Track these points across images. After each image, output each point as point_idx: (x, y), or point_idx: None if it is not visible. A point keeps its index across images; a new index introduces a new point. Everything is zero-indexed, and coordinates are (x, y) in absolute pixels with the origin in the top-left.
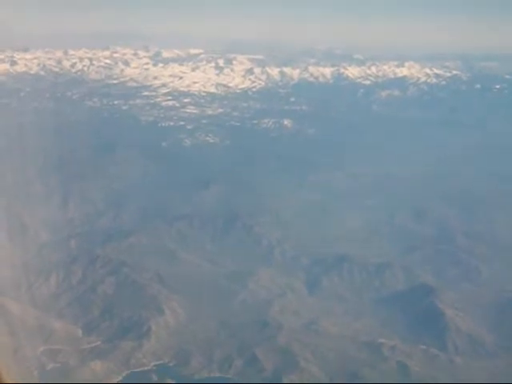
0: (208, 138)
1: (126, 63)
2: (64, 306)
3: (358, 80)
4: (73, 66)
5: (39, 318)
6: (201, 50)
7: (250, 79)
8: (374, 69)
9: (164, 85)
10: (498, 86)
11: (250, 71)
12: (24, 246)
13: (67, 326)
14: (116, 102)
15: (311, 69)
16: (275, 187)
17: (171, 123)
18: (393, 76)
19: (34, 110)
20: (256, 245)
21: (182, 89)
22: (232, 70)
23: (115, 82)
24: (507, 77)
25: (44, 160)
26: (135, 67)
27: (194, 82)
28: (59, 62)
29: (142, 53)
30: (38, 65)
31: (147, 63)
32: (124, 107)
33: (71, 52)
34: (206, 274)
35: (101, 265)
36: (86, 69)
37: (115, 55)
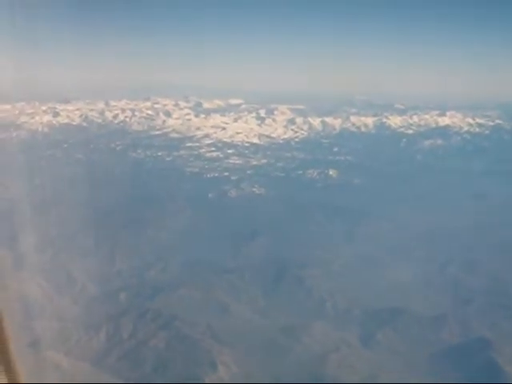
0: (254, 189)
1: (168, 114)
2: (115, 360)
3: (401, 129)
4: (115, 117)
5: (90, 372)
6: (241, 101)
7: (292, 129)
8: (415, 118)
9: (207, 136)
10: None
11: (291, 121)
12: (72, 299)
13: (118, 382)
14: (160, 154)
15: (353, 118)
16: (323, 238)
17: (216, 174)
18: (435, 125)
19: (78, 161)
20: (307, 297)
21: (225, 139)
22: (274, 120)
23: (158, 132)
24: None
25: (89, 212)
26: (177, 118)
27: (237, 133)
28: (101, 113)
29: (182, 103)
30: (80, 116)
31: (189, 114)
32: (168, 158)
33: (113, 103)
34: (258, 328)
35: (151, 318)
36: (128, 120)
37: (156, 106)
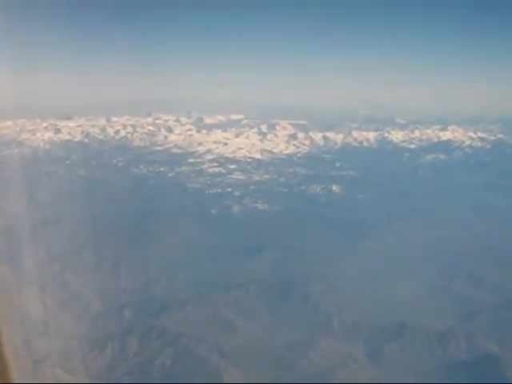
0: (257, 205)
1: (169, 130)
2: (120, 378)
3: (403, 144)
4: (116, 133)
5: None
6: (242, 116)
7: (294, 144)
8: (417, 133)
9: (209, 151)
10: None
11: (293, 136)
12: (77, 316)
13: None
14: (162, 169)
15: (354, 133)
16: (328, 254)
17: (219, 190)
18: (437, 140)
19: (80, 177)
20: (313, 313)
21: (227, 155)
22: (275, 135)
23: (160, 148)
24: None
25: (93, 228)
26: (179, 134)
27: (239, 148)
28: (103, 129)
29: (184, 119)
30: (82, 132)
31: (190, 129)
32: (170, 174)
33: (114, 119)
34: (265, 344)
35: (157, 335)
36: (129, 136)
37: (158, 122)
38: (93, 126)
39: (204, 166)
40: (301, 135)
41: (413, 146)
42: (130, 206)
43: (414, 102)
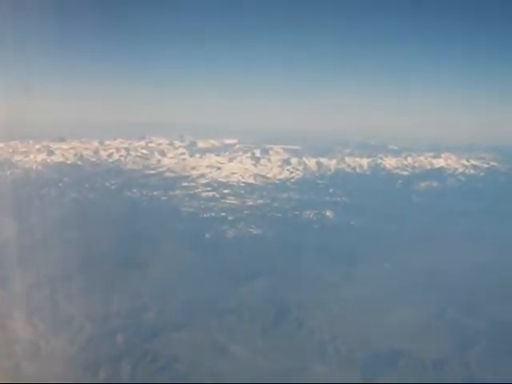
0: (251, 230)
1: (163, 153)
2: None
3: (396, 170)
4: (110, 156)
5: None
6: (235, 140)
7: (287, 170)
8: (410, 159)
9: (202, 175)
10: None
11: (286, 161)
12: (69, 339)
13: None
14: (155, 193)
15: (348, 159)
16: (322, 279)
17: (212, 214)
18: (430, 167)
19: (73, 200)
20: (308, 339)
21: (220, 179)
22: (269, 160)
23: (153, 172)
24: None
25: (85, 251)
26: (172, 157)
27: (233, 173)
28: (96, 151)
29: (177, 143)
30: (75, 155)
31: (183, 153)
32: (163, 198)
33: (107, 142)
34: (260, 370)
35: (151, 360)
36: (122, 159)
37: (151, 145)
38: (86, 148)
39: (198, 190)
40: (294, 160)
41: (406, 173)
42: (122, 229)
43: (405, 129)
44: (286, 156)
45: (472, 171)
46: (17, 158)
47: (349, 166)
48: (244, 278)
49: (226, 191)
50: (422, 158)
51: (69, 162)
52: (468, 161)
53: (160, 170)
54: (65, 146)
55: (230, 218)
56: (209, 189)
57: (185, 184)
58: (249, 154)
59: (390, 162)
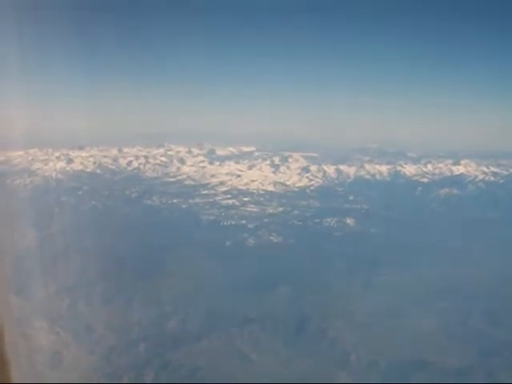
0: (272, 238)
1: (182, 161)
2: None
3: (415, 178)
4: (129, 163)
5: None
6: (253, 148)
7: (307, 177)
8: (430, 167)
9: (222, 183)
10: None
11: (306, 169)
12: (90, 349)
13: None
14: (175, 201)
15: (367, 166)
16: (344, 288)
17: (233, 222)
18: (449, 174)
19: (92, 208)
20: (330, 348)
21: (240, 187)
22: (288, 167)
23: (172, 179)
24: None
25: (106, 260)
26: (191, 165)
27: (252, 181)
28: (115, 159)
29: (196, 150)
30: (94, 163)
31: (203, 161)
32: (183, 206)
33: (126, 150)
34: (283, 379)
35: (173, 369)
36: (142, 167)
37: (170, 153)
38: (105, 156)
39: (217, 198)
40: (313, 168)
41: (426, 180)
42: (143, 237)
43: (423, 136)
44: (305, 163)
45: (492, 178)
46: (36, 165)
47: (368, 173)
48: (265, 287)
49: (245, 199)
50: (441, 165)
51: (88, 170)
52: (488, 168)
53: (179, 177)
54: (84, 154)
55: (250, 225)
56: (229, 196)
57: (204, 192)
58: (268, 162)
59: (409, 169)
